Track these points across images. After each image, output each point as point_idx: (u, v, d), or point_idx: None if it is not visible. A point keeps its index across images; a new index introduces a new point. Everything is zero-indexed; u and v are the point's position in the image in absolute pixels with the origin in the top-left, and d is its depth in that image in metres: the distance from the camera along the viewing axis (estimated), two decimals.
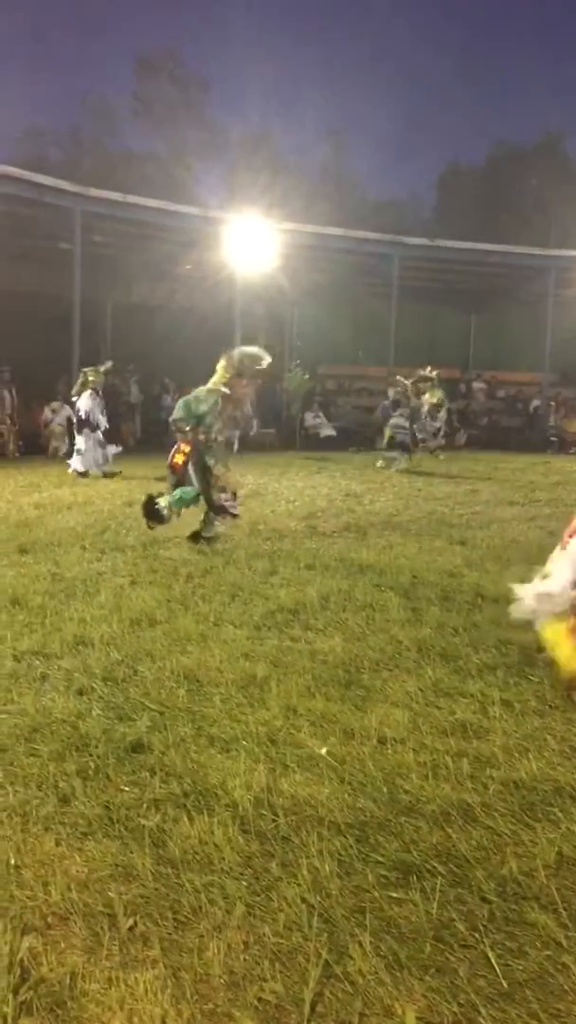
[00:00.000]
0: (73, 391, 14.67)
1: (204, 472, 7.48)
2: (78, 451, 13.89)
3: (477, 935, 2.28)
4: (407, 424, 15.86)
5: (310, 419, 21.89)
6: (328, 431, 21.82)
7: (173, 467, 7.52)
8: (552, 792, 3.03)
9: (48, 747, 3.32)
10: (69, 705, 3.72)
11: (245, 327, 20.66)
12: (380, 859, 2.60)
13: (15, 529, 8.00)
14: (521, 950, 2.23)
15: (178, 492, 7.48)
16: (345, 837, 2.70)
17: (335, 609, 5.33)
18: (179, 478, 7.55)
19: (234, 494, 7.66)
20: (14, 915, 2.32)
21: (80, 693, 3.88)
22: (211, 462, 7.48)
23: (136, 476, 12.98)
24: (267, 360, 7.80)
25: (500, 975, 2.13)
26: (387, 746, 3.36)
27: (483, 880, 2.50)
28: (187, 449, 7.43)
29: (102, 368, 14.63)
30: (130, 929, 2.29)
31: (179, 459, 7.47)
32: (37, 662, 4.29)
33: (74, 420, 14.73)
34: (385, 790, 3.00)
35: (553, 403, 24.09)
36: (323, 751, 3.26)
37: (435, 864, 2.58)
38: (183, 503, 7.48)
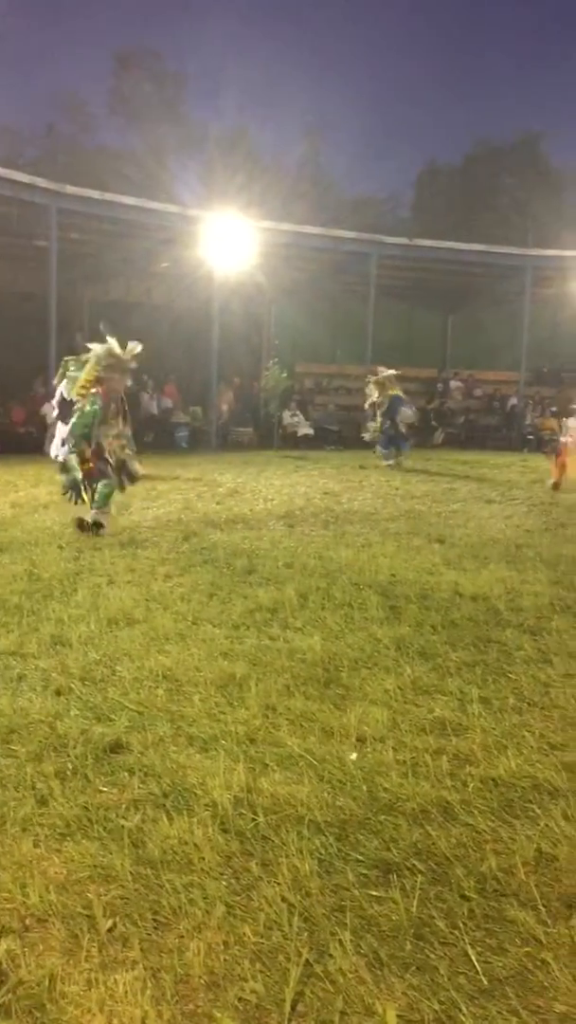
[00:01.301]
0: (55, 380, 14.74)
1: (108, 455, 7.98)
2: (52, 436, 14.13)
3: (457, 932, 2.28)
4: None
5: (288, 417, 21.91)
6: (306, 430, 21.88)
7: (89, 473, 7.99)
8: (530, 789, 3.05)
9: (25, 748, 3.29)
10: (47, 705, 3.69)
11: (223, 325, 20.63)
12: (360, 857, 2.60)
13: None
14: (501, 947, 2.24)
15: (100, 492, 7.86)
16: (325, 836, 2.71)
17: (314, 608, 5.33)
18: (95, 478, 7.96)
19: (123, 462, 8.11)
20: None
21: (58, 693, 3.86)
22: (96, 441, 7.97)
23: None
24: (122, 351, 8.26)
25: (480, 972, 2.14)
26: (366, 744, 3.36)
27: (463, 877, 2.51)
28: (88, 455, 7.96)
29: (84, 359, 14.62)
30: (109, 930, 2.27)
31: (90, 465, 7.96)
32: (14, 662, 4.26)
33: (54, 408, 14.82)
34: (365, 788, 3.00)
35: (531, 402, 24.23)
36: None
37: (415, 862, 2.58)
38: (107, 498, 7.90)
